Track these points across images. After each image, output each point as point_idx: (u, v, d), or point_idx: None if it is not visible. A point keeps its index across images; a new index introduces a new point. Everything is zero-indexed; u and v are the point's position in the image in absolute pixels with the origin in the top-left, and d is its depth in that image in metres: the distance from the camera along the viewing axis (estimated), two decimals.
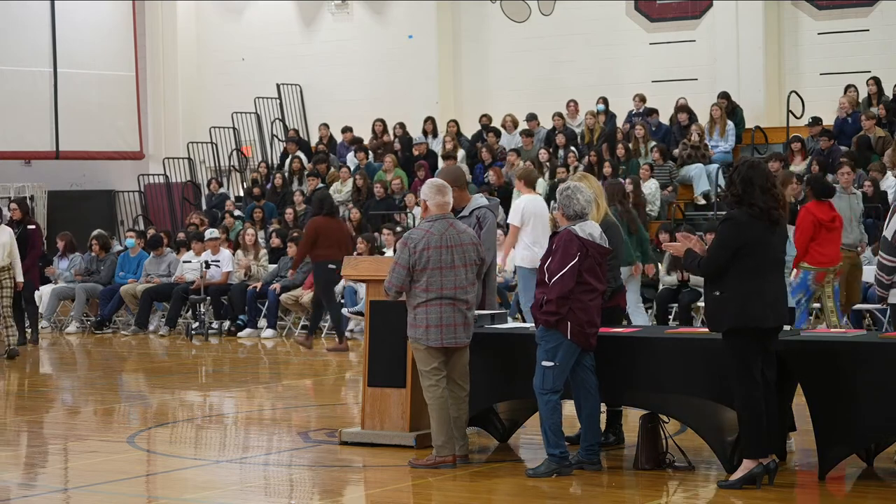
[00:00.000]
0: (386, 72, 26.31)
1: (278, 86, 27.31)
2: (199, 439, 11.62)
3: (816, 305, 15.11)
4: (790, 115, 22.17)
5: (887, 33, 22.33)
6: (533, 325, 9.43)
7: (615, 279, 9.93)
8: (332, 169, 24.61)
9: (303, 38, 27.58)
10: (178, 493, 9.23)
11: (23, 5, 26.67)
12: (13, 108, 26.50)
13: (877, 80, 21.37)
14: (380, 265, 10.24)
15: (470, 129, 24.76)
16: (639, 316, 15.97)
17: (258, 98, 27.26)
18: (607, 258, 9.22)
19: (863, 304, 15.87)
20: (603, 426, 9.77)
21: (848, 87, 21.63)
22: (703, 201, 21.34)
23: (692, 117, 22.36)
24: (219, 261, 20.59)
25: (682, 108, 22.55)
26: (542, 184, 21.44)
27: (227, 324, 20.38)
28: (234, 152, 27.31)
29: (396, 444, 9.97)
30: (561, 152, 22.63)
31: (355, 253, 19.06)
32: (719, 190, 20.79)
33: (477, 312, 9.82)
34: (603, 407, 9.56)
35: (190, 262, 20.96)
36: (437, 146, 24.18)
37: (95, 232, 22.66)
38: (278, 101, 27.39)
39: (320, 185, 23.65)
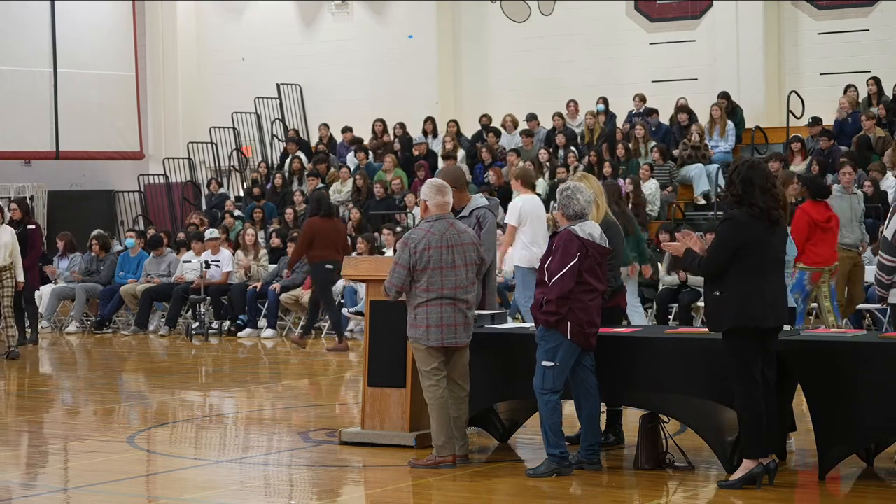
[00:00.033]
0: (386, 72, 26.31)
1: (278, 86, 27.32)
2: (199, 439, 11.62)
3: (814, 305, 15.12)
4: (790, 115, 22.18)
5: (887, 33, 22.33)
6: (533, 324, 9.44)
7: (615, 279, 9.93)
8: (332, 169, 24.62)
9: (303, 38, 27.58)
10: (178, 493, 9.23)
11: (23, 5, 26.68)
12: (13, 108, 26.51)
13: (877, 80, 21.37)
14: (380, 265, 10.24)
15: (470, 129, 24.76)
16: (637, 316, 15.98)
17: (258, 98, 27.26)
18: (607, 258, 9.22)
19: (863, 304, 15.87)
20: (603, 426, 9.77)
21: (848, 87, 21.63)
22: (703, 201, 21.34)
23: (692, 117, 22.36)
24: (219, 261, 20.59)
25: (682, 108, 22.55)
26: (542, 184, 21.47)
27: (227, 324, 20.38)
28: (234, 152, 27.31)
29: (396, 444, 9.97)
30: (561, 152, 22.63)
31: (355, 253, 19.08)
32: (719, 190, 20.79)
33: (477, 312, 9.83)
34: (603, 407, 9.56)
35: (190, 262, 20.96)
36: (437, 146, 24.18)
37: (95, 232, 22.66)
38: (278, 101, 27.39)
39: (320, 185, 23.66)
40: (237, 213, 24.06)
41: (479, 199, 10.74)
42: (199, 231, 21.86)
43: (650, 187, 20.86)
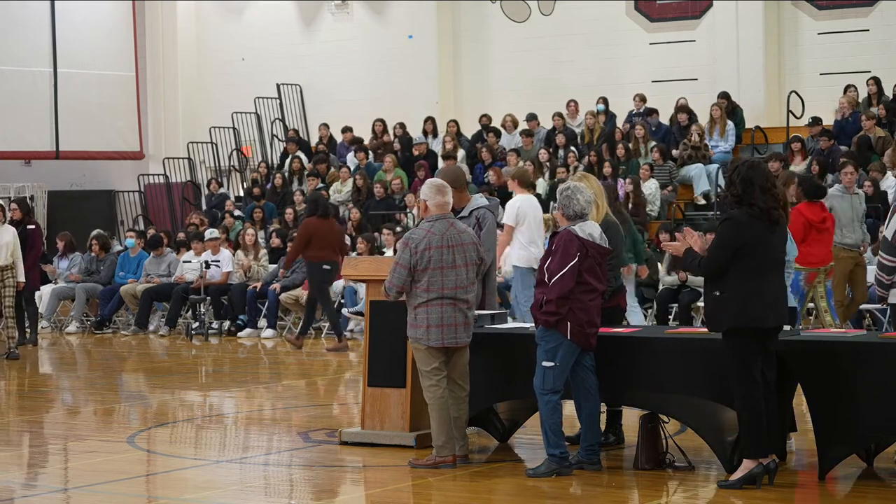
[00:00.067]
0: (386, 72, 26.31)
1: (278, 86, 27.32)
2: (199, 439, 11.62)
3: (810, 305, 15.12)
4: (790, 115, 22.18)
5: (887, 33, 22.33)
6: (532, 324, 9.44)
7: (615, 279, 9.93)
8: (332, 169, 24.62)
9: (303, 38, 27.58)
10: (178, 493, 9.23)
11: (23, 5, 26.68)
12: (13, 108, 26.51)
13: (877, 80, 21.37)
14: (380, 265, 10.25)
15: (470, 129, 24.76)
16: (634, 316, 15.99)
17: (258, 98, 27.26)
18: (607, 258, 9.22)
19: (864, 304, 15.87)
20: (603, 426, 9.77)
21: (848, 87, 21.63)
22: (703, 201, 21.35)
23: (692, 117, 22.36)
24: (219, 261, 20.60)
25: (682, 108, 22.55)
26: (542, 184, 21.48)
27: (227, 324, 20.39)
28: (234, 152, 27.31)
29: (396, 444, 9.97)
30: (561, 152, 22.63)
31: (355, 253, 19.09)
32: (719, 190, 20.79)
33: (477, 312, 9.83)
34: (603, 407, 9.56)
35: (190, 262, 20.96)
36: (437, 146, 24.18)
37: (95, 232, 22.66)
38: (278, 101, 27.39)
39: (320, 185, 23.67)
40: (237, 213, 24.06)
41: (479, 200, 10.74)
42: (199, 231, 21.86)
43: (650, 187, 20.86)
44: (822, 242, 13.94)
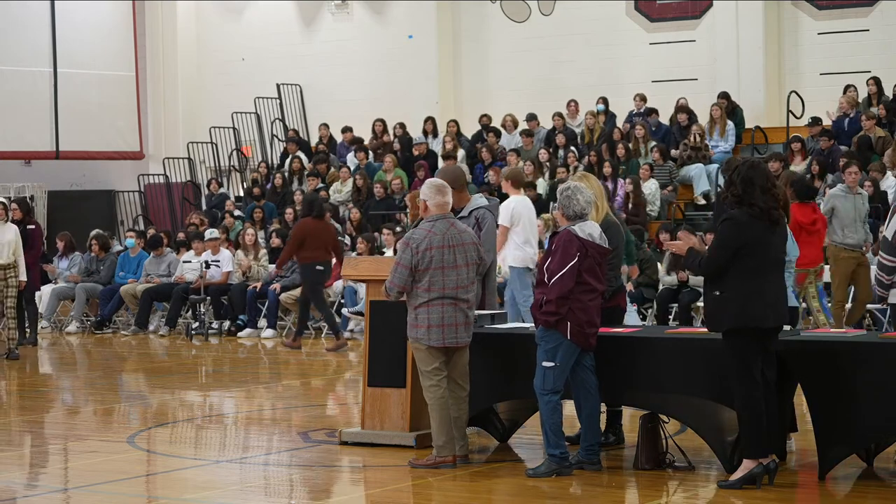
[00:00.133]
0: (386, 72, 26.31)
1: (278, 86, 27.32)
2: (199, 439, 11.62)
3: (803, 306, 15.14)
4: (790, 115, 22.18)
5: (887, 33, 22.33)
6: (532, 324, 9.44)
7: (615, 279, 9.93)
8: (332, 169, 24.62)
9: (303, 38, 27.59)
10: (178, 493, 9.23)
11: (23, 5, 26.68)
12: (13, 108, 26.51)
13: (877, 80, 21.37)
14: (380, 265, 10.25)
15: (470, 129, 24.76)
16: (629, 316, 15.96)
17: (258, 98, 27.26)
18: (607, 258, 9.22)
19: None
20: (603, 426, 9.77)
21: (848, 87, 21.63)
22: (703, 201, 21.34)
23: (692, 117, 22.36)
24: (219, 261, 20.60)
25: (682, 108, 22.55)
26: (542, 184, 21.49)
27: (227, 324, 20.39)
28: (234, 152, 27.31)
29: (396, 444, 9.97)
30: (561, 152, 22.63)
31: (355, 253, 19.09)
32: (719, 190, 20.78)
33: (477, 312, 9.83)
34: (603, 407, 9.56)
35: (190, 262, 20.96)
36: (437, 146, 24.18)
37: (95, 232, 22.66)
38: (278, 101, 27.39)
39: (320, 185, 23.67)
40: (237, 213, 24.06)
41: (479, 200, 10.75)
42: (199, 231, 21.86)
43: (650, 187, 20.86)
44: (813, 244, 13.97)
